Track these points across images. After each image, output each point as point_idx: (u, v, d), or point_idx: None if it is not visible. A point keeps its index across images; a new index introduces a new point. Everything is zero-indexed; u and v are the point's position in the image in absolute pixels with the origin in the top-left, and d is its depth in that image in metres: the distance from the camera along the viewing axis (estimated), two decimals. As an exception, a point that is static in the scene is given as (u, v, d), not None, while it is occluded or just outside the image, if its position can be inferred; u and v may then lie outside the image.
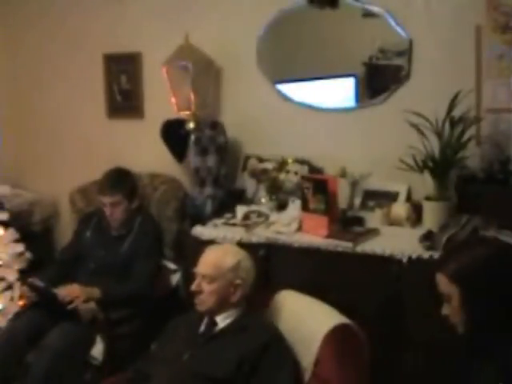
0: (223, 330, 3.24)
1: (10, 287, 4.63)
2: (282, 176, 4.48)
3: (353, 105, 4.58)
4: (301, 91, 4.71)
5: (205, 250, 3.40)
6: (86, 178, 5.18)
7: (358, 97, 4.57)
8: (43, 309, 4.16)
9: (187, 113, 4.71)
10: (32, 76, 5.88)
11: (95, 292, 4.12)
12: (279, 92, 4.73)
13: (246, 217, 4.30)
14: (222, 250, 3.39)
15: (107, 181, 4.48)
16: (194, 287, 3.28)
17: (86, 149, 5.63)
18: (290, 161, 4.52)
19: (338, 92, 4.62)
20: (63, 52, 5.65)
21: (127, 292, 4.22)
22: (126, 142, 5.41)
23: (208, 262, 3.30)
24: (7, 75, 5.95)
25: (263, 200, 4.50)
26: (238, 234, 4.12)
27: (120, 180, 4.48)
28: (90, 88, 5.56)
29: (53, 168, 5.84)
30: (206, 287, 3.24)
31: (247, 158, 4.78)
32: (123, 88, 5.42)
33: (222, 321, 3.26)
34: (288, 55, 4.76)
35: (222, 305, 3.25)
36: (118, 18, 5.33)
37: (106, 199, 4.43)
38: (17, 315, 4.30)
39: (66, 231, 5.45)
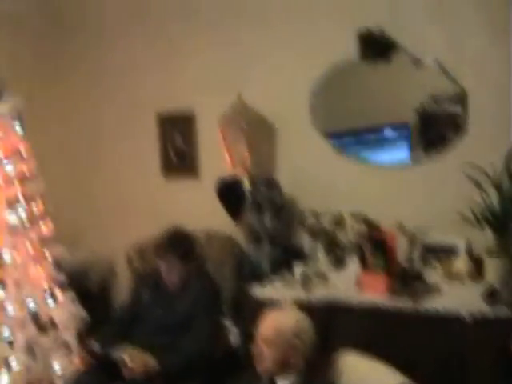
0: (283, 393, 3.21)
1: (67, 349, 4.59)
2: (339, 232, 4.46)
3: (406, 155, 4.57)
4: (354, 144, 4.70)
5: (264, 313, 3.36)
6: (143, 236, 5.22)
7: (411, 146, 4.55)
8: (101, 372, 4.16)
9: (242, 172, 4.73)
10: (89, 136, 6.05)
11: (154, 365, 4.08)
12: (333, 147, 4.73)
13: (304, 275, 4.27)
14: (281, 314, 3.35)
15: (163, 244, 4.46)
16: (254, 350, 3.27)
17: (143, 208, 5.75)
18: (346, 216, 4.49)
19: (391, 142, 4.62)
20: (120, 113, 5.86)
21: (186, 359, 4.17)
22: (182, 201, 5.49)
23: (268, 325, 3.27)
24: (64, 135, 6.11)
25: (320, 257, 4.49)
26: (297, 293, 4.10)
27: (176, 243, 4.44)
28: (146, 148, 5.70)
29: (109, 227, 5.97)
30: (266, 350, 3.22)
31: (303, 214, 4.73)
32: (178, 148, 5.50)
33: (282, 383, 3.22)
34: (340, 108, 4.77)
35: (281, 367, 3.22)
36: (171, 78, 5.44)
37: (162, 263, 4.43)
38: (75, 378, 4.30)
39: (123, 290, 5.53)
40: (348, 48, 4.52)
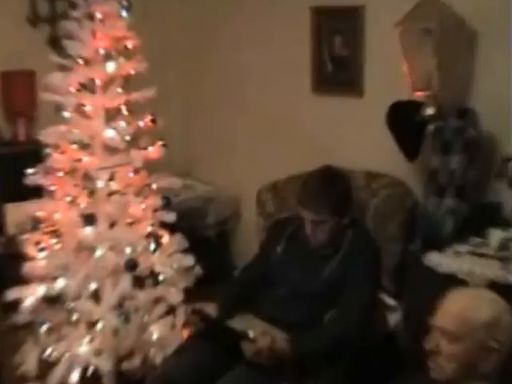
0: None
1: (171, 311, 4.56)
2: (553, 190, 3.93)
3: None
4: None
5: (447, 294, 2.99)
6: (282, 171, 5.08)
7: None
8: (213, 346, 3.98)
9: (426, 93, 4.45)
10: (222, 33, 6.05)
11: (286, 347, 3.82)
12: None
13: (503, 245, 4.00)
14: (472, 298, 2.99)
15: (311, 191, 4.10)
16: (429, 345, 2.91)
17: (283, 132, 5.62)
18: None
19: None
20: (262, 7, 5.71)
21: (329, 344, 3.91)
22: (336, 127, 5.27)
23: (452, 313, 2.91)
24: (186, 32, 6.29)
25: (527, 221, 3.97)
26: (491, 269, 3.86)
27: (328, 191, 4.07)
28: (293, 52, 5.52)
29: (236, 156, 6.02)
30: (447, 347, 2.87)
31: (506, 160, 4.36)
32: (337, 53, 5.29)
33: (466, 395, 2.85)
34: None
35: (466, 374, 2.87)
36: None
37: (308, 215, 4.05)
38: (179, 350, 4.17)
39: (247, 239, 5.51)
40: None
